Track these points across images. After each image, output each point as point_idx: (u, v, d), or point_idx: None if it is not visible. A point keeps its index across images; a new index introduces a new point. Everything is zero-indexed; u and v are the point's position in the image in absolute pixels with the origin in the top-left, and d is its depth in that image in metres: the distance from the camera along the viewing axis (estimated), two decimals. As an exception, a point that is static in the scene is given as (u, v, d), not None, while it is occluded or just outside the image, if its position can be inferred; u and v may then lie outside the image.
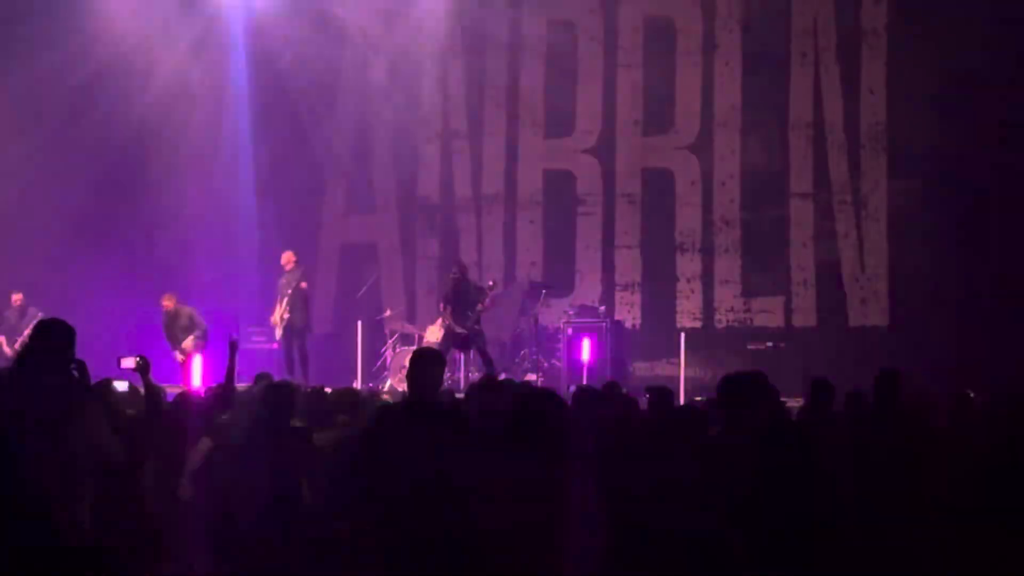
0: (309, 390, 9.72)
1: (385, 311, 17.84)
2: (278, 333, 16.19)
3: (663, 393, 8.59)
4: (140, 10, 18.02)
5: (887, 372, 7.62)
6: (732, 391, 6.55)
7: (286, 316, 15.94)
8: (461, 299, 15.69)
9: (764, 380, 7.48)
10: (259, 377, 9.69)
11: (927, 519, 7.31)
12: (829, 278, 17.05)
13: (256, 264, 18.20)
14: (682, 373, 15.62)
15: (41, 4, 17.53)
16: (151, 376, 6.87)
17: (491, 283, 16.13)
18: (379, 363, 17.42)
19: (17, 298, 16.33)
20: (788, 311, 17.29)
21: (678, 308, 17.74)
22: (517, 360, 16.94)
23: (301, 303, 16.02)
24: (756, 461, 4.61)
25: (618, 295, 18.07)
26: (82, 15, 17.64)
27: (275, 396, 7.96)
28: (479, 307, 15.56)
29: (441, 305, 15.99)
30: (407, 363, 6.81)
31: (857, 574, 5.00)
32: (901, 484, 7.21)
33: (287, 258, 16.28)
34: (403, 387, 12.01)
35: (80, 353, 5.80)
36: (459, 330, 15.57)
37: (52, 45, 17.11)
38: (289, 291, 15.94)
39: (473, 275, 16.56)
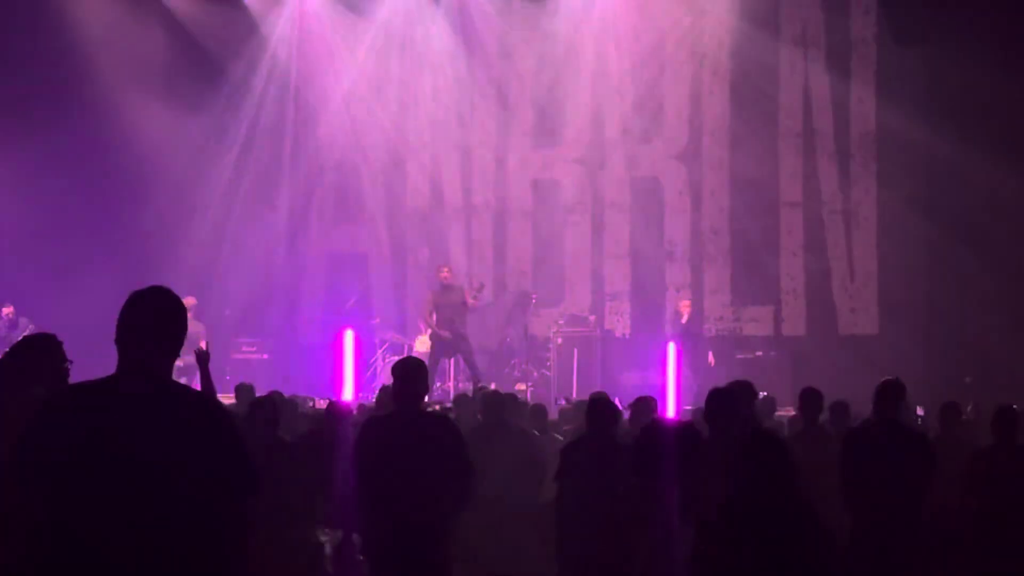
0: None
1: (375, 319, 17.79)
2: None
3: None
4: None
5: (889, 383, 7.52)
6: (716, 403, 6.55)
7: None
8: (447, 303, 15.74)
9: (742, 392, 7.43)
10: (239, 389, 9.58)
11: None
12: (819, 287, 17.03)
13: (243, 274, 18.09)
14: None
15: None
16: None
17: (479, 284, 16.19)
18: (368, 373, 17.31)
19: (8, 311, 16.20)
20: (778, 320, 17.25)
21: (667, 317, 17.68)
22: (507, 370, 16.88)
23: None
24: (736, 472, 4.55)
25: (608, 304, 18.01)
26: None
27: (262, 410, 7.90)
28: (469, 301, 15.63)
29: (429, 315, 15.94)
30: (391, 373, 6.77)
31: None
32: (896, 493, 7.17)
33: None
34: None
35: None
36: (444, 334, 15.63)
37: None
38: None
39: (460, 281, 16.50)
